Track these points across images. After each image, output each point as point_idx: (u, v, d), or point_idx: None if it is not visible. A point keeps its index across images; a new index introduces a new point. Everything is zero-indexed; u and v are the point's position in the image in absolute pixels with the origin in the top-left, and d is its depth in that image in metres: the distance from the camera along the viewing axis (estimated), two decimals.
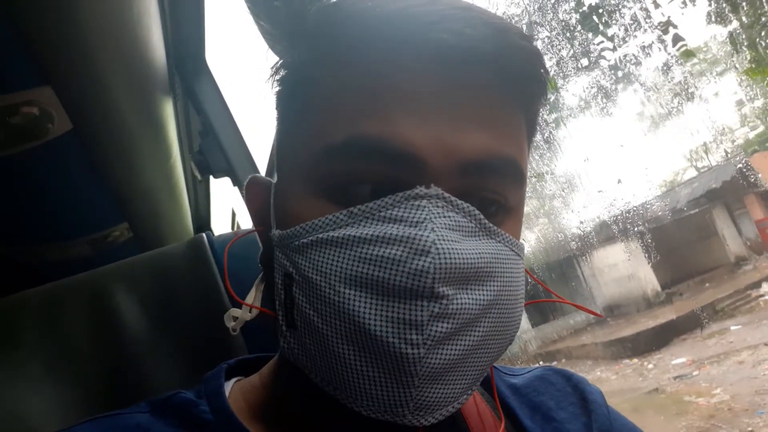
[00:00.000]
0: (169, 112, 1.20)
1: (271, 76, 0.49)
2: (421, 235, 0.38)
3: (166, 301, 0.71)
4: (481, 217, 0.42)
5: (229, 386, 0.51)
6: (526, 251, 0.48)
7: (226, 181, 1.33)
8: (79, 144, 0.98)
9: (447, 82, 0.41)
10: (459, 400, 0.42)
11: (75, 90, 0.85)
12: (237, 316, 0.49)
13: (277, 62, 0.48)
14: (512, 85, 0.44)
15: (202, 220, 1.99)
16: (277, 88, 0.49)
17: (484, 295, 0.40)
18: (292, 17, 0.46)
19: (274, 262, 0.45)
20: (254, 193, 0.52)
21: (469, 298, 0.39)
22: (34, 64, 0.76)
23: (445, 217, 0.39)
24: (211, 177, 1.36)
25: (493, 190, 0.44)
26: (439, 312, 0.37)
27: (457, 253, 0.38)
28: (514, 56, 0.43)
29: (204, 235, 0.76)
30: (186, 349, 0.68)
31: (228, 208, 2.26)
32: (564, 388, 0.60)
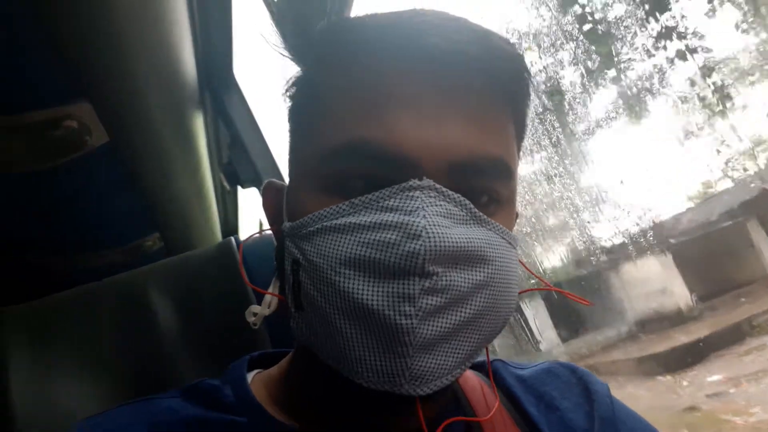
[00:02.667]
0: (199, 124, 1.25)
1: (284, 92, 0.54)
2: (414, 221, 0.41)
3: (196, 300, 0.75)
4: (471, 206, 0.45)
5: (250, 376, 0.56)
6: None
7: (254, 191, 1.37)
8: (115, 156, 1.02)
9: (438, 85, 0.45)
10: (452, 373, 0.45)
11: (112, 104, 0.89)
12: (257, 312, 0.53)
13: (289, 80, 0.53)
14: (498, 86, 0.47)
15: (231, 230, 2.03)
16: (289, 104, 0.54)
17: (474, 275, 0.44)
18: (299, 34, 0.51)
19: (285, 252, 0.49)
20: (270, 195, 0.56)
21: (458, 276, 0.42)
22: (74, 81, 0.81)
23: (436, 205, 0.43)
24: (239, 187, 1.40)
25: (482, 185, 0.47)
26: (429, 287, 0.41)
27: (447, 238, 0.41)
28: (498, 58, 0.46)
29: (232, 238, 0.80)
30: (214, 345, 0.72)
31: (255, 219, 2.30)
32: (569, 379, 0.62)
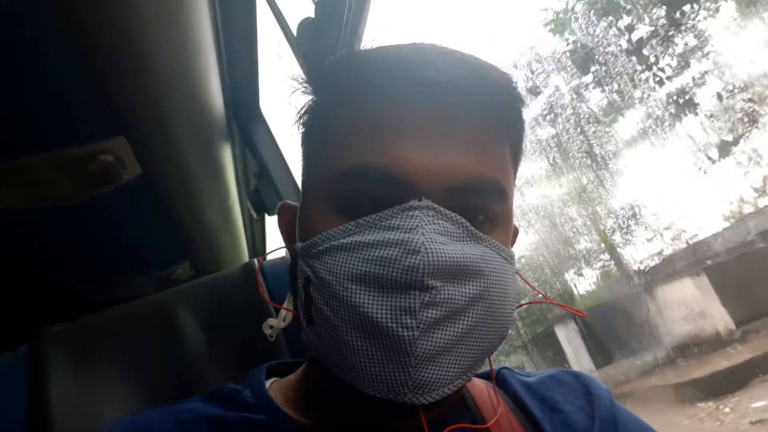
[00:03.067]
0: (227, 155, 1.30)
1: (297, 120, 0.58)
2: (413, 239, 0.44)
3: (221, 317, 0.79)
4: (468, 224, 0.48)
5: (268, 383, 0.60)
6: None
7: None
8: (148, 187, 1.08)
9: (435, 114, 0.49)
10: (454, 383, 0.47)
11: (145, 139, 0.94)
12: (273, 325, 0.58)
13: (301, 108, 0.57)
14: (492, 113, 0.51)
15: (258, 256, 2.08)
16: (302, 130, 0.58)
17: (470, 288, 0.46)
18: (313, 67, 0.55)
19: (297, 269, 0.53)
20: (285, 216, 0.60)
21: (455, 290, 0.45)
22: (111, 117, 0.86)
23: (434, 224, 0.46)
24: (266, 215, 1.44)
25: (478, 205, 0.50)
26: (429, 300, 0.44)
27: (444, 253, 0.44)
28: (490, 88, 0.50)
29: (254, 260, 0.85)
30: (238, 358, 0.76)
31: (282, 245, 2.34)
32: (573, 384, 0.64)
